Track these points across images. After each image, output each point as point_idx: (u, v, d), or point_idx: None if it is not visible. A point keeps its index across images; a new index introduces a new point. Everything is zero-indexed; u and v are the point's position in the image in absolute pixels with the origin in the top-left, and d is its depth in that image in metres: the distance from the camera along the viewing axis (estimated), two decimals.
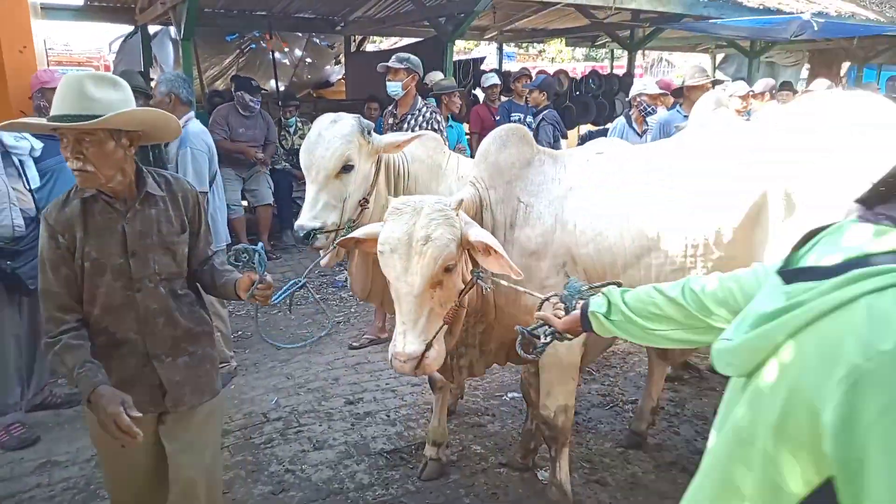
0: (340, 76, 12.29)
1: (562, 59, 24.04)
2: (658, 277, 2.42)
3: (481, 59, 12.69)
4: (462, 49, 18.40)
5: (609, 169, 2.60)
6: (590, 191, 2.54)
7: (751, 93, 6.58)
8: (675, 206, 2.41)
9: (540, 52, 24.41)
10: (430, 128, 4.32)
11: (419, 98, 4.51)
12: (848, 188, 2.27)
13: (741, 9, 8.27)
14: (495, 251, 2.10)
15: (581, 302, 1.69)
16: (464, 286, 2.22)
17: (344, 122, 2.70)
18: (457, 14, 7.57)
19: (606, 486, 3.07)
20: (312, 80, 12.24)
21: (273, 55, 9.90)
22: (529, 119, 6.57)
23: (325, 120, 2.74)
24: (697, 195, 2.39)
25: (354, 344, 4.75)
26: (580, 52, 23.89)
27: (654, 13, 8.49)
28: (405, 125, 4.38)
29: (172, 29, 9.41)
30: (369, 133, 2.72)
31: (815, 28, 7.11)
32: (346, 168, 2.66)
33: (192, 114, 4.21)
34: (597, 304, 1.62)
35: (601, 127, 9.97)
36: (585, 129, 10.88)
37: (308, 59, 11.66)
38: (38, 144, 3.42)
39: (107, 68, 12.55)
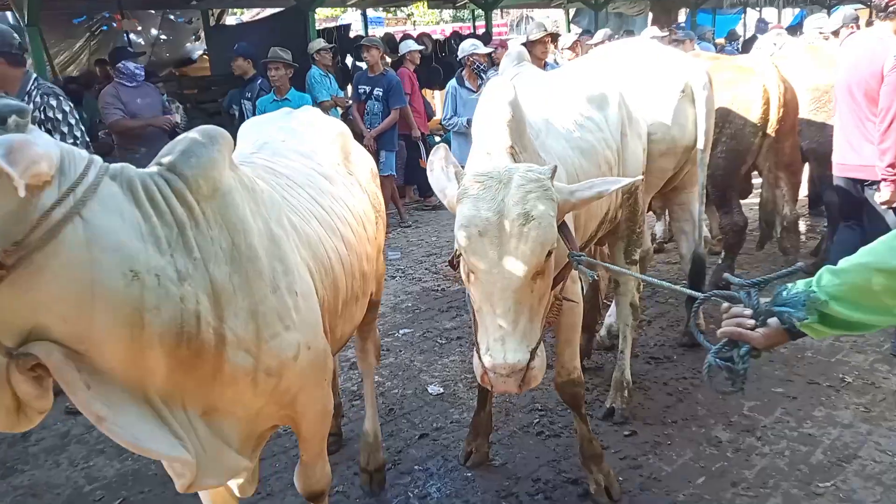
0: (202, 52, 11.97)
1: (428, 21, 24.34)
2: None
3: (347, 26, 12.76)
4: (331, 16, 18.22)
5: (540, 107, 2.68)
6: (556, 128, 2.61)
7: (580, 42, 7.24)
8: (595, 136, 2.77)
9: (408, 15, 24.52)
10: (41, 117, 3.25)
11: (31, 78, 3.40)
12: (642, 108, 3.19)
13: None
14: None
15: (777, 309, 1.34)
16: (557, 273, 1.89)
17: None
18: None
19: None
20: (173, 59, 11.85)
21: (127, 36, 9.53)
22: (378, 91, 6.71)
23: None
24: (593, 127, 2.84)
25: None
26: (448, 13, 24.24)
27: None
28: None
29: (10, 14, 8.81)
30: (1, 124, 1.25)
31: None
32: None
33: None
34: (802, 316, 1.28)
35: None
36: None
37: (164, 37, 11.27)
38: None
39: None
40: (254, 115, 5.82)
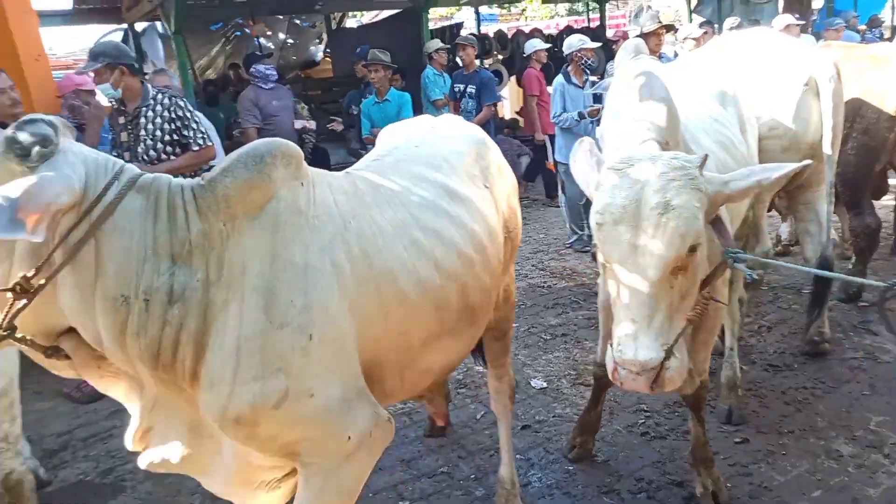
0: (323, 54, 12.62)
1: (542, 16, 24.11)
2: None
3: (460, 24, 12.98)
4: (445, 15, 18.53)
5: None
6: (694, 121, 2.54)
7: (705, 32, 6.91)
8: (731, 131, 2.80)
9: (522, 11, 24.42)
10: (172, 116, 3.63)
11: (149, 87, 3.73)
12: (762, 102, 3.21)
13: None
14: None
15: None
16: (710, 272, 1.79)
17: None
18: None
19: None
20: (299, 61, 12.58)
21: (258, 40, 10.25)
22: (471, 88, 6.77)
23: None
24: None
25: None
26: (563, 7, 23.93)
27: None
28: (142, 120, 3.62)
29: (158, 24, 9.77)
30: (26, 157, 1.34)
31: None
32: None
33: None
34: None
35: None
36: None
37: (291, 41, 11.98)
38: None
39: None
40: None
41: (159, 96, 3.71)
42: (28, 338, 1.44)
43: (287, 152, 1.60)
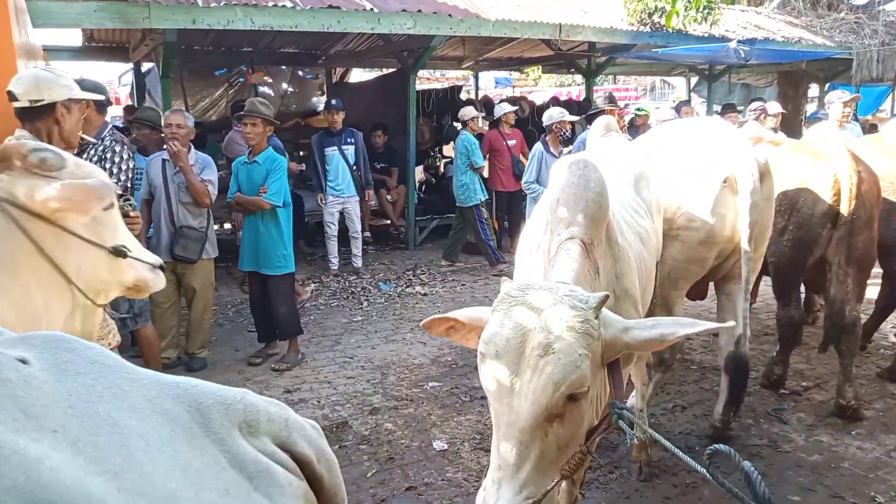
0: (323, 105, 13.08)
1: (555, 84, 24.95)
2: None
3: (460, 87, 13.41)
4: (458, 77, 19.04)
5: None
6: (620, 210, 2.51)
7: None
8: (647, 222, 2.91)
9: (538, 77, 25.28)
10: (106, 157, 3.74)
11: (108, 124, 3.95)
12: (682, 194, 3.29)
13: (687, 38, 8.92)
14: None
15: None
16: (596, 424, 1.66)
17: None
18: (416, 49, 8.27)
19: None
20: (299, 110, 13.00)
21: (256, 88, 10.65)
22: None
23: None
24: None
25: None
26: (579, 77, 24.76)
27: (603, 44, 9.17)
28: (86, 154, 3.76)
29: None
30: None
31: (743, 56, 7.73)
32: None
33: None
34: None
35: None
36: None
37: (291, 90, 12.44)
38: None
39: (116, 101, 13.44)
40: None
41: (106, 138, 3.86)
42: None
43: None
